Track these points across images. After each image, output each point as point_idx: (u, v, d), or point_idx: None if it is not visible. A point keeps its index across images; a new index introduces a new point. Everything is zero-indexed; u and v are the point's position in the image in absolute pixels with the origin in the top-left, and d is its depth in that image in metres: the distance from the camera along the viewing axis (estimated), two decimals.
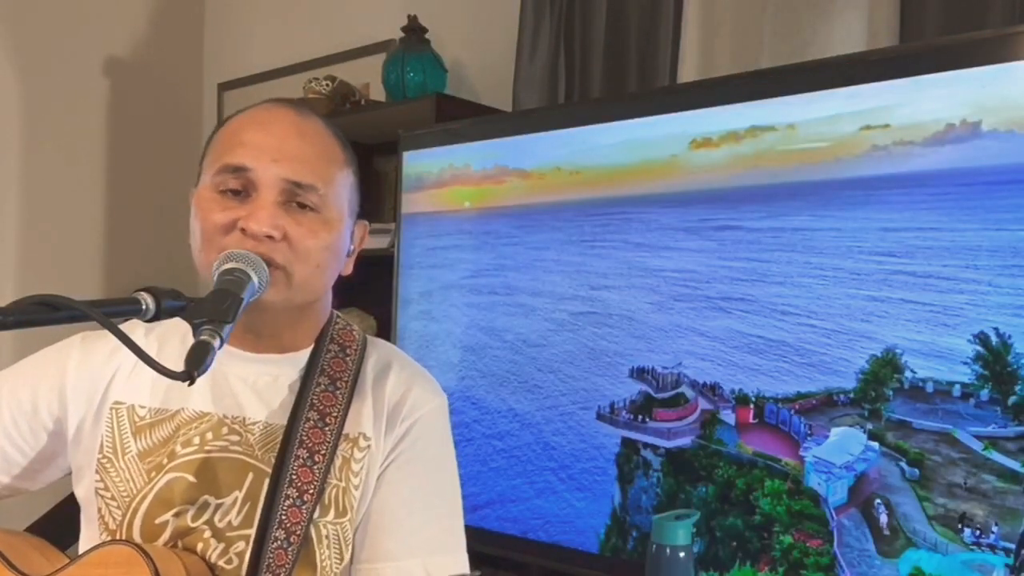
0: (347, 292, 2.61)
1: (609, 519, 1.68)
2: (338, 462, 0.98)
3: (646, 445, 1.64)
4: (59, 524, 1.11)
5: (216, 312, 0.81)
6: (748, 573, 1.48)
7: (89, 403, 1.01)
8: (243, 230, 0.92)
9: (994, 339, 1.26)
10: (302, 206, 0.95)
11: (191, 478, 0.96)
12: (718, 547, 1.52)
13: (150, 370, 0.99)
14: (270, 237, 0.92)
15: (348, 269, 1.06)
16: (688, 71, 2.02)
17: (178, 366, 0.77)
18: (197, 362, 0.77)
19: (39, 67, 2.97)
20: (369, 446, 1.00)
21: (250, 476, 0.97)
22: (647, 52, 2.08)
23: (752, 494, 1.48)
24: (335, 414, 0.99)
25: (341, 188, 1.00)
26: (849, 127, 1.41)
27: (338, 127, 1.04)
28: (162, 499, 0.96)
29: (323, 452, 0.97)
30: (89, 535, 1.02)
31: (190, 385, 0.78)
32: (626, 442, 1.67)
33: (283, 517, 0.94)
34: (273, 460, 0.97)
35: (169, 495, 0.96)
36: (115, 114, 3.16)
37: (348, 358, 1.04)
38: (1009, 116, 1.26)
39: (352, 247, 1.06)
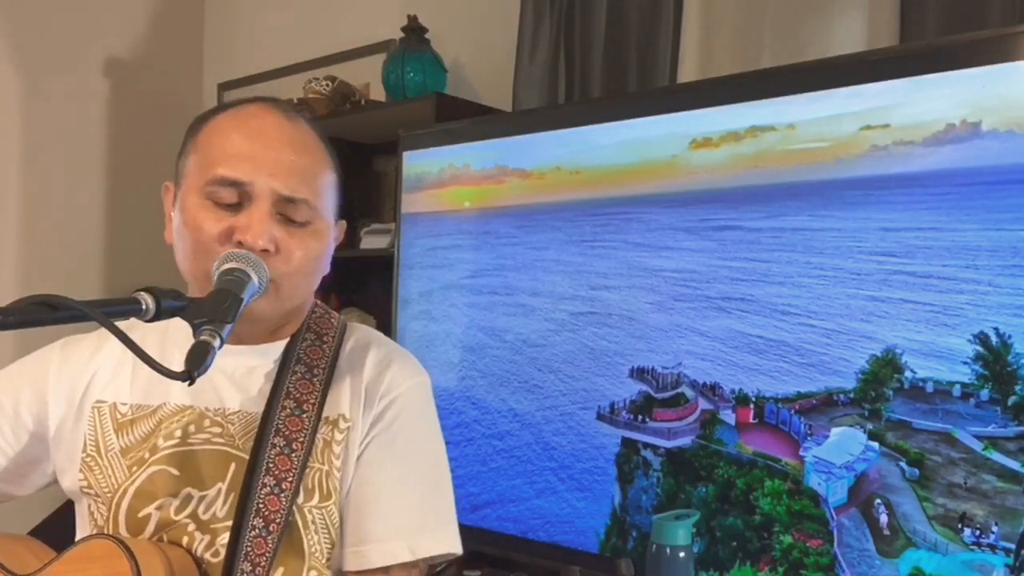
0: (347, 292, 2.64)
1: (609, 519, 1.68)
2: (319, 445, 0.98)
3: (646, 445, 1.64)
4: (59, 528, 1.11)
5: (216, 312, 0.81)
6: (748, 573, 1.48)
7: (69, 404, 1.02)
8: (239, 243, 0.93)
9: (994, 339, 1.26)
10: (293, 218, 0.96)
11: (174, 471, 0.97)
12: (718, 547, 1.52)
13: (130, 368, 1.00)
14: (265, 250, 0.93)
15: (326, 268, 1.06)
16: (688, 71, 2.02)
17: (166, 363, 0.77)
18: (198, 362, 0.77)
19: (39, 67, 2.97)
20: (349, 427, 1.00)
21: (233, 466, 0.97)
22: (647, 52, 2.08)
23: (752, 494, 1.48)
24: (312, 400, 0.99)
25: (328, 196, 1.02)
26: (849, 127, 1.41)
27: (324, 125, 1.05)
28: (144, 492, 0.96)
29: (301, 439, 0.97)
30: (82, 532, 1.03)
31: (190, 385, 0.78)
32: (626, 442, 1.67)
33: (260, 505, 0.93)
34: None
35: (151, 488, 0.96)
36: (115, 114, 3.16)
37: (325, 345, 1.04)
38: (1009, 116, 1.26)
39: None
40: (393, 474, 1.00)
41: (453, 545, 1.01)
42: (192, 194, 0.97)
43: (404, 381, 1.04)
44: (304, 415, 0.98)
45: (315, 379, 1.01)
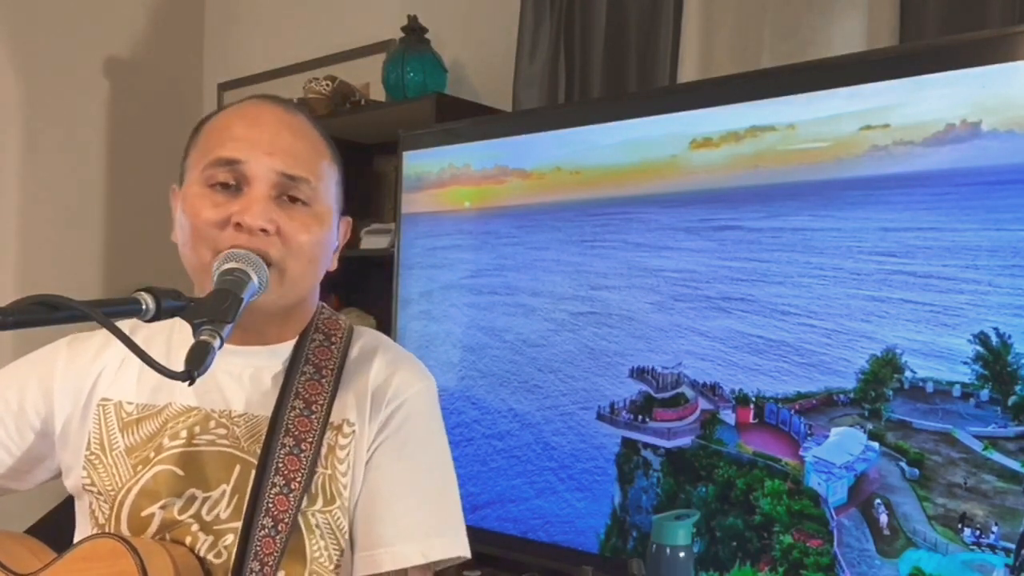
0: (347, 292, 2.64)
1: (609, 519, 1.68)
2: (323, 450, 0.98)
3: (646, 445, 1.64)
4: (58, 526, 1.11)
5: (216, 312, 0.81)
6: (748, 573, 1.48)
7: (76, 402, 1.01)
8: (237, 225, 0.92)
9: (994, 339, 1.26)
10: (293, 200, 0.96)
11: (178, 471, 0.97)
12: (718, 547, 1.52)
13: (137, 367, 1.00)
14: (264, 231, 0.93)
15: (333, 264, 1.06)
16: (688, 71, 2.02)
17: (168, 365, 0.77)
18: (197, 362, 0.77)
19: (39, 67, 2.97)
20: (354, 432, 1.00)
21: (237, 468, 0.97)
22: (647, 52, 2.08)
23: (752, 494, 1.49)
24: (321, 402, 0.99)
25: (329, 182, 1.02)
26: (849, 127, 1.41)
27: (324, 125, 1.05)
28: (148, 491, 0.96)
29: (310, 440, 0.97)
30: (82, 530, 1.02)
31: (190, 385, 0.78)
32: (626, 442, 1.67)
33: (270, 505, 0.93)
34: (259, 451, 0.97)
35: (155, 487, 0.96)
36: (115, 114, 3.16)
37: (333, 346, 1.04)
38: (1009, 116, 1.26)
39: (337, 243, 1.06)
40: (402, 478, 1.00)
41: (463, 548, 1.01)
42: (193, 185, 0.97)
43: (411, 386, 1.04)
44: (312, 416, 0.98)
45: (323, 380, 1.01)
